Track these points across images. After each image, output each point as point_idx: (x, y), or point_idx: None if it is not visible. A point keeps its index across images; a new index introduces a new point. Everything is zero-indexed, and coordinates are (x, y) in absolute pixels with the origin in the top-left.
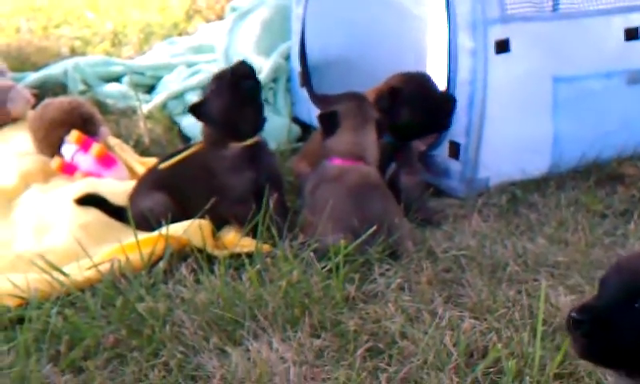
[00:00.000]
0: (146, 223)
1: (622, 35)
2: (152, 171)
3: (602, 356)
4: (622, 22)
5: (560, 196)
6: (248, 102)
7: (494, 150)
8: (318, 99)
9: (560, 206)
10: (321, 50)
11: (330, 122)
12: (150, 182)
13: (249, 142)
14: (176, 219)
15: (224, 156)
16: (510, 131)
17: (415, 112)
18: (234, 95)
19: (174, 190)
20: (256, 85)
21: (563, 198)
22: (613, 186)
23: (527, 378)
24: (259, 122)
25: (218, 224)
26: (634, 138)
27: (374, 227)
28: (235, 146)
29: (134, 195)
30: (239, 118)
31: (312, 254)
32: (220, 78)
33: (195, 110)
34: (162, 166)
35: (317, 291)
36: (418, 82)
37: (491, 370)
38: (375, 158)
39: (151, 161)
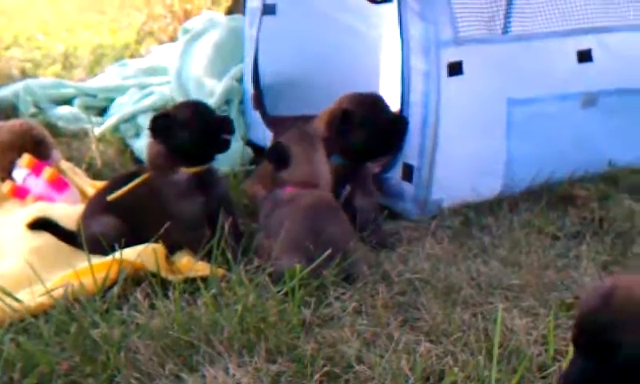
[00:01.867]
0: (98, 247)
1: (574, 57)
2: (101, 194)
3: None
4: (574, 45)
5: (513, 218)
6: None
7: (447, 172)
8: (271, 122)
9: (513, 228)
10: (274, 72)
11: (279, 156)
12: (100, 205)
13: (198, 168)
14: (128, 242)
15: (173, 182)
16: (463, 153)
17: (367, 134)
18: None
19: (125, 212)
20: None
21: (516, 220)
22: (565, 207)
23: None
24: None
25: (172, 248)
26: (586, 159)
27: (329, 251)
28: (184, 172)
29: (85, 219)
30: (201, 146)
31: (267, 277)
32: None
33: (157, 124)
34: (110, 198)
35: (272, 315)
36: (370, 104)
37: None
38: (328, 183)
39: (102, 184)
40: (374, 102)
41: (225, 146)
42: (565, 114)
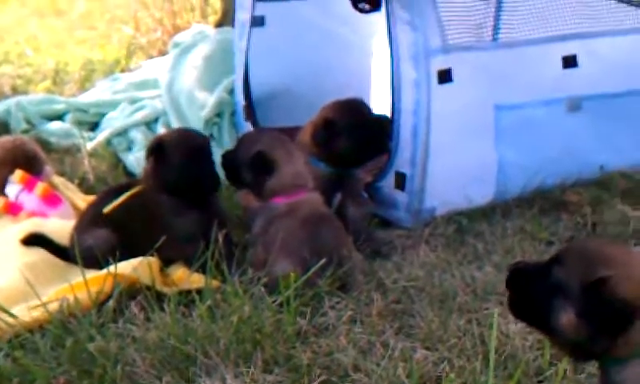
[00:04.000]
0: (91, 260)
1: (560, 63)
2: (94, 207)
3: (518, 309)
4: (559, 50)
5: (506, 224)
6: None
7: (440, 180)
8: None
9: (506, 234)
10: (264, 83)
11: (263, 164)
12: (92, 218)
13: None
14: (121, 255)
15: (166, 200)
16: (455, 160)
17: (351, 140)
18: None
19: (118, 225)
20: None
21: (509, 226)
22: (557, 213)
23: None
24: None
25: (166, 261)
26: (577, 165)
27: (324, 260)
28: None
29: (77, 232)
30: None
31: (262, 288)
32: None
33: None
34: (106, 210)
35: (268, 326)
36: (351, 110)
37: None
38: (312, 181)
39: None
40: (354, 108)
41: (215, 185)
42: (551, 119)
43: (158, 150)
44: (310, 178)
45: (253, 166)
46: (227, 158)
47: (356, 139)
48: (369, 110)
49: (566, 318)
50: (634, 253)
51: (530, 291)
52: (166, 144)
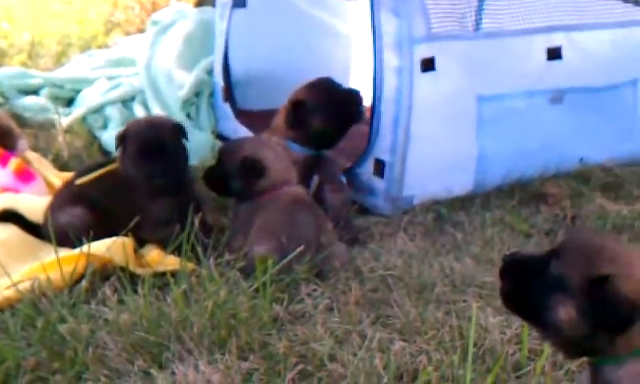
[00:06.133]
0: (65, 239)
1: (544, 55)
2: (69, 185)
3: (512, 301)
4: (544, 42)
5: (485, 215)
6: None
7: (419, 168)
8: (241, 115)
9: (485, 225)
10: (244, 65)
11: (255, 169)
12: (68, 196)
13: None
14: (96, 234)
15: (141, 183)
16: (435, 149)
17: (323, 119)
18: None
19: (93, 204)
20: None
21: (488, 217)
22: (537, 205)
23: None
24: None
25: (141, 241)
26: (557, 156)
27: (302, 247)
28: None
29: (52, 210)
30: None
31: (238, 272)
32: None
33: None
34: (79, 181)
35: (244, 311)
36: (320, 89)
37: None
38: (296, 174)
39: (70, 175)
40: (323, 86)
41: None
42: (533, 111)
43: (122, 139)
44: (294, 170)
45: (243, 172)
46: (211, 174)
47: (329, 115)
48: (338, 85)
49: (565, 313)
50: (634, 251)
51: (527, 284)
52: (127, 134)
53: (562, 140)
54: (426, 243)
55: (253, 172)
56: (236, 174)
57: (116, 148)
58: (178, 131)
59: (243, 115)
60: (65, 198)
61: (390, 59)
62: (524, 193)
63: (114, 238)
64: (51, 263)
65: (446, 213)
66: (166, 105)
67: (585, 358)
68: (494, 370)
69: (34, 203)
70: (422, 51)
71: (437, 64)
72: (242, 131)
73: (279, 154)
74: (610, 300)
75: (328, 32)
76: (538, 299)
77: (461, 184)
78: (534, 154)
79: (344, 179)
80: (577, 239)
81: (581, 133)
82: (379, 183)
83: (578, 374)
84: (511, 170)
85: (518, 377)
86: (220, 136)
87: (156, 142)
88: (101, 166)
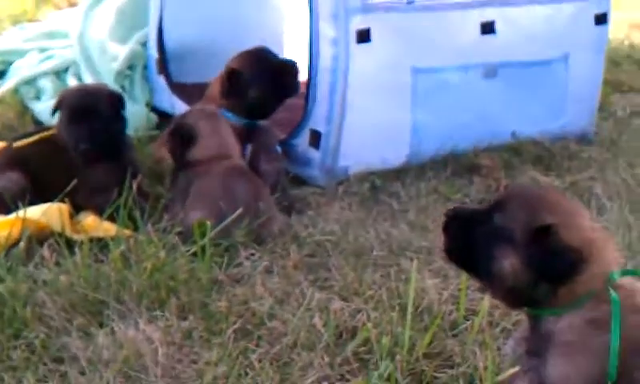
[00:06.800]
0: (0, 203)
1: (477, 29)
2: (6, 150)
3: (455, 255)
4: (478, 16)
5: (420, 185)
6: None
7: (354, 139)
8: (175, 87)
9: (420, 194)
10: (178, 37)
11: (185, 135)
12: (4, 162)
13: None
14: (32, 199)
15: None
16: (370, 120)
17: (258, 88)
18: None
19: (30, 169)
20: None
21: (423, 187)
22: (470, 176)
23: (397, 357)
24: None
25: (77, 207)
26: (490, 129)
27: (240, 210)
28: None
29: None
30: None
31: (177, 237)
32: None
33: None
34: (17, 144)
35: (182, 274)
36: (256, 58)
37: (361, 349)
38: (238, 153)
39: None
40: (260, 56)
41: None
42: (467, 84)
43: (58, 106)
44: (238, 150)
45: (174, 137)
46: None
47: (264, 86)
48: (274, 55)
49: (509, 264)
50: (574, 201)
51: (470, 237)
52: (63, 100)
53: (495, 113)
54: (361, 212)
55: (182, 138)
56: (168, 138)
57: (52, 114)
58: (114, 99)
59: (178, 88)
60: (1, 163)
61: (326, 30)
62: (458, 164)
63: (49, 204)
64: None
65: (381, 183)
66: (99, 77)
67: (523, 312)
68: (432, 327)
69: None
70: (358, 22)
71: (372, 35)
72: (178, 104)
73: (221, 130)
74: (552, 249)
75: (261, 5)
76: (481, 251)
77: (396, 155)
78: (468, 126)
79: (279, 149)
80: (518, 191)
81: (513, 107)
82: (315, 154)
83: (505, 341)
84: (445, 142)
85: (455, 335)
86: (155, 109)
87: (85, 108)
88: (39, 132)
